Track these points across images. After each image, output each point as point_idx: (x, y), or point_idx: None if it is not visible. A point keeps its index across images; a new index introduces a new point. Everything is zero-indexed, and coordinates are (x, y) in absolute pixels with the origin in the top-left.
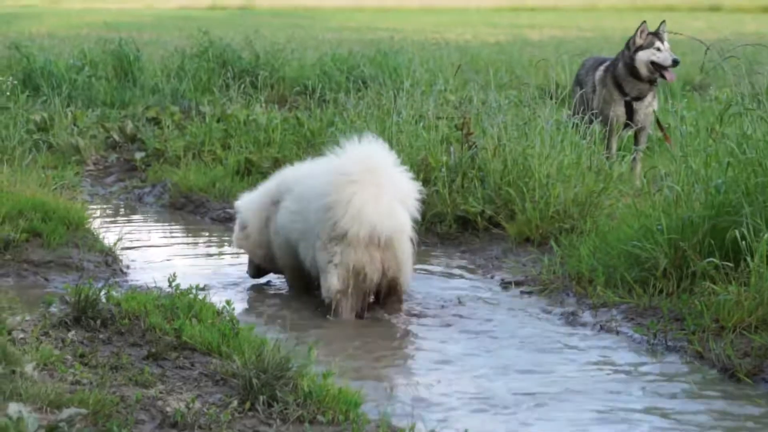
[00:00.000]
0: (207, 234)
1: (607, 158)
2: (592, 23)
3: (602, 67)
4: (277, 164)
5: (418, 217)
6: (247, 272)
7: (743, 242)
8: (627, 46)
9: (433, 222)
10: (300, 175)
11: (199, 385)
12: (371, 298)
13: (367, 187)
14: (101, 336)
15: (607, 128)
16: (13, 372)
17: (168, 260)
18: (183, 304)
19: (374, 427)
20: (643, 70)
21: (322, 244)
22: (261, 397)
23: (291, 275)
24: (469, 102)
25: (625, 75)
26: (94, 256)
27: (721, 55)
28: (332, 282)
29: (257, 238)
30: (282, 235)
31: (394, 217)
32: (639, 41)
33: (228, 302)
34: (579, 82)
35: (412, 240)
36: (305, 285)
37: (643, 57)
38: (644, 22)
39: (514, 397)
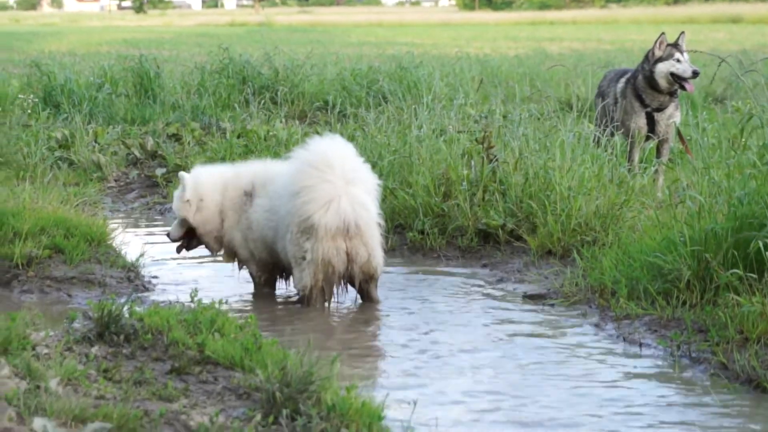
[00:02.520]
0: None
1: (629, 170)
2: (612, 36)
3: (623, 79)
4: None
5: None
6: (170, 235)
7: (767, 253)
8: (646, 57)
9: (455, 235)
10: (274, 173)
11: (222, 399)
12: (344, 286)
13: (336, 179)
14: (124, 351)
15: (629, 140)
16: (38, 387)
17: (190, 275)
18: (205, 318)
19: None
20: (663, 82)
21: (293, 237)
22: (284, 411)
23: (260, 269)
24: (490, 115)
25: (644, 87)
26: (116, 272)
27: (741, 67)
28: (304, 278)
29: (213, 215)
30: (257, 232)
31: (364, 207)
32: (658, 53)
33: (251, 316)
34: (601, 94)
35: (380, 225)
36: (273, 278)
37: (662, 68)
38: (663, 33)
39: (537, 409)
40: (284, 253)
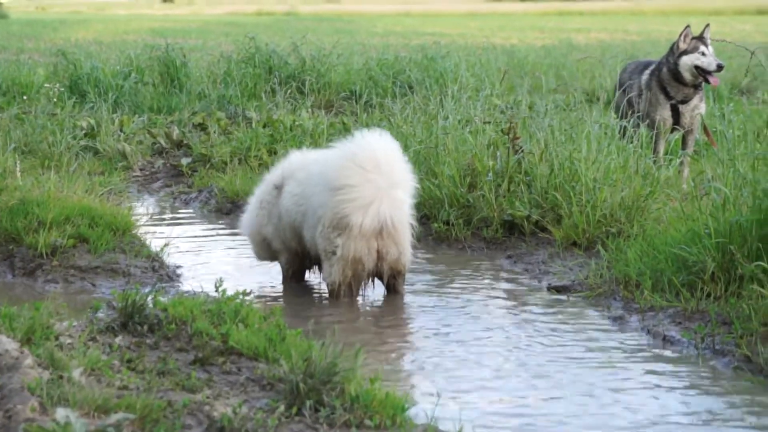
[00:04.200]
0: None
1: (654, 162)
2: (639, 27)
3: (647, 71)
4: None
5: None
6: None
7: None
8: (671, 50)
9: (480, 227)
10: (305, 161)
11: (245, 390)
12: (371, 281)
13: (381, 180)
14: (148, 341)
15: (654, 132)
16: (61, 377)
17: (214, 265)
18: (229, 309)
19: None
20: (687, 75)
21: (324, 231)
22: (308, 402)
23: (288, 259)
24: (515, 106)
25: (669, 79)
26: (140, 262)
27: None
28: (333, 273)
29: (253, 220)
30: (285, 219)
31: (400, 209)
32: (683, 46)
33: (275, 307)
34: (621, 85)
35: (411, 226)
36: (301, 270)
37: (687, 61)
38: (688, 26)
39: (559, 400)
40: (312, 242)
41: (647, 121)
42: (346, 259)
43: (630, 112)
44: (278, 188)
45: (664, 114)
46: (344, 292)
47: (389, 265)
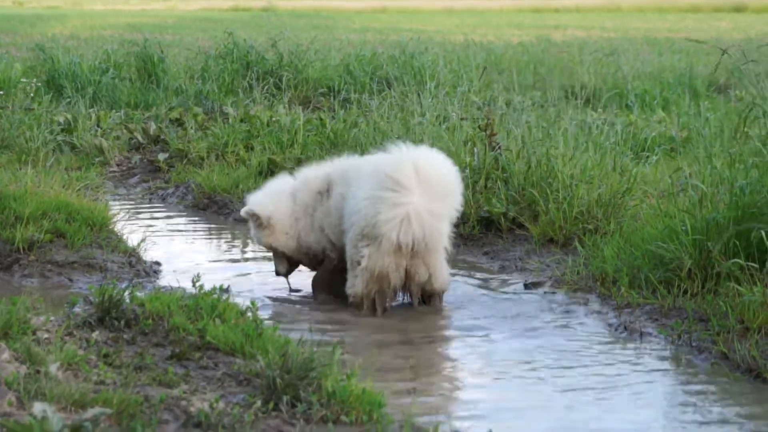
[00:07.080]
0: (230, 235)
1: None
2: (616, 24)
3: None
4: (300, 165)
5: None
6: (276, 271)
7: None
8: None
9: (456, 223)
10: (353, 164)
11: (222, 385)
12: (401, 297)
13: (415, 196)
14: (125, 336)
15: None
16: (38, 372)
17: (191, 261)
18: (207, 304)
19: (398, 428)
20: None
21: (353, 237)
22: (285, 397)
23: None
24: (493, 103)
25: None
26: (117, 257)
27: (744, 57)
28: (357, 285)
29: (287, 229)
30: (335, 217)
31: (437, 229)
32: None
33: (252, 303)
34: None
35: (446, 249)
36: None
37: None
38: None
39: (536, 397)
40: (342, 247)
41: None
42: (371, 272)
43: None
44: (321, 194)
45: None
46: (367, 307)
47: (419, 286)
